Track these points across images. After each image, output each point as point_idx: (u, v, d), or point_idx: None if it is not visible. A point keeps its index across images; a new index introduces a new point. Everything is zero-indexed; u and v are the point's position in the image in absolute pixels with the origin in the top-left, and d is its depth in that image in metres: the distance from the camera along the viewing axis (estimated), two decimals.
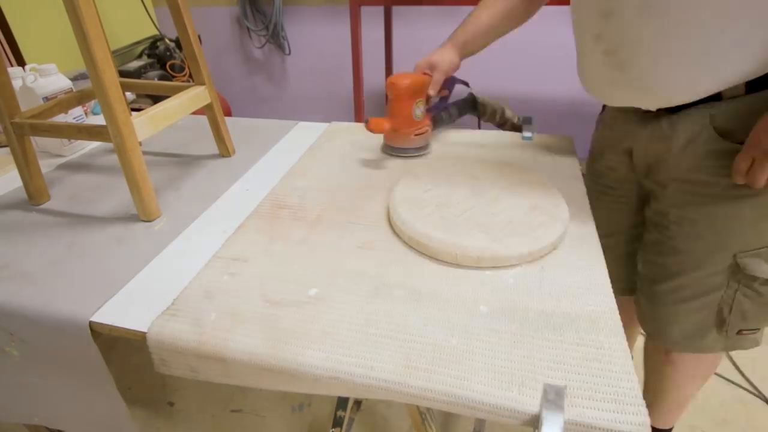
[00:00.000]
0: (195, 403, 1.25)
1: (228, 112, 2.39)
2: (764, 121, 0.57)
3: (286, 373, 0.47)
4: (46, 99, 0.88)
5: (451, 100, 0.98)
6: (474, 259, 0.58)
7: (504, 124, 1.00)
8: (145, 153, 0.94)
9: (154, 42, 2.22)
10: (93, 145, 1.01)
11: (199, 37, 0.82)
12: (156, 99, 1.87)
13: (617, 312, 0.51)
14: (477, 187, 0.72)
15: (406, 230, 0.63)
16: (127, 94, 1.21)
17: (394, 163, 0.87)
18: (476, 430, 1.06)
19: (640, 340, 1.37)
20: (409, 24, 2.27)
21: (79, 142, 0.98)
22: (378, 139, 0.93)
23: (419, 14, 2.24)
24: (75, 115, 0.95)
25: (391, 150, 0.89)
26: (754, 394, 1.21)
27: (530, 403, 0.42)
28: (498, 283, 0.56)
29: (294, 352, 0.47)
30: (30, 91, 0.87)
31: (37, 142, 0.96)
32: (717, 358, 0.88)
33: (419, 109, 0.84)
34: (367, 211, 0.72)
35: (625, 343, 0.47)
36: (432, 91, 0.85)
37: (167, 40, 2.21)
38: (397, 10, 2.25)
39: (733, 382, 1.24)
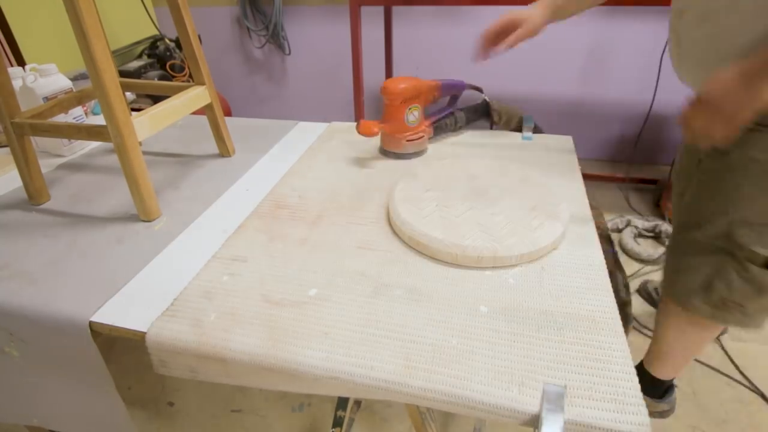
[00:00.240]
0: (195, 403, 1.25)
1: (228, 112, 2.39)
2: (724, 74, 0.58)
3: (286, 373, 0.47)
4: (46, 99, 0.88)
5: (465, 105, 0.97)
6: (474, 259, 0.58)
7: (520, 130, 0.99)
8: (145, 153, 0.94)
9: (154, 42, 2.22)
10: (93, 145, 1.01)
11: (199, 37, 0.82)
12: (156, 99, 1.87)
13: (617, 312, 0.51)
14: (477, 187, 0.72)
15: (406, 230, 0.63)
16: (127, 94, 1.21)
17: (394, 164, 0.87)
18: (476, 430, 1.05)
19: (640, 341, 1.38)
20: (409, 24, 2.27)
21: (79, 142, 0.98)
22: (378, 138, 0.93)
23: (419, 14, 2.24)
24: (75, 115, 0.95)
25: (385, 153, 0.90)
26: (755, 393, 1.21)
27: (530, 403, 0.42)
28: (498, 283, 0.56)
29: (294, 352, 0.47)
30: (30, 91, 0.87)
31: (37, 142, 0.96)
32: (709, 325, 0.90)
33: (413, 115, 0.84)
34: (367, 211, 0.72)
35: (625, 343, 0.47)
36: (519, 38, 0.77)
37: (167, 40, 2.21)
38: (397, 10, 2.25)
39: (733, 380, 1.24)
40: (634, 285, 1.59)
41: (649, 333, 1.39)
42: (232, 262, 0.61)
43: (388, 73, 2.11)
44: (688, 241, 0.80)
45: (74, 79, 1.49)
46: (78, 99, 0.86)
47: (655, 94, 2.17)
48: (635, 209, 2.01)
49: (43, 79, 0.89)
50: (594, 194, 2.11)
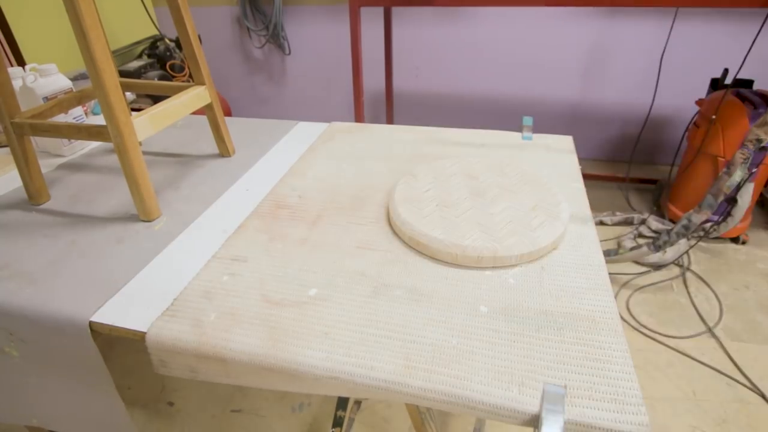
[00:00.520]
0: (195, 403, 1.25)
1: (228, 112, 2.39)
2: None
3: (285, 373, 0.47)
4: (46, 99, 0.88)
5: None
6: (474, 259, 0.58)
7: None
8: (145, 153, 0.95)
9: (154, 42, 2.23)
10: (93, 145, 1.01)
11: (199, 37, 0.82)
12: (156, 99, 1.87)
13: (617, 312, 0.51)
14: (477, 187, 0.72)
15: (406, 230, 0.63)
16: (127, 94, 1.20)
17: (394, 164, 0.87)
18: (476, 430, 1.05)
19: (640, 341, 1.38)
20: (409, 24, 2.27)
21: (79, 142, 0.98)
22: (378, 139, 0.93)
23: (419, 14, 2.24)
24: (75, 115, 0.95)
25: None
26: (755, 393, 1.21)
27: (530, 403, 0.42)
28: (498, 283, 0.56)
29: (294, 352, 0.47)
30: (30, 91, 0.87)
31: (37, 142, 0.96)
32: None
33: None
34: (366, 211, 0.72)
35: (625, 343, 0.47)
36: None
37: (167, 40, 2.21)
38: (396, 11, 2.25)
39: (733, 380, 1.24)
40: (626, 292, 1.59)
41: (650, 333, 1.40)
42: (232, 262, 0.61)
43: (388, 73, 2.11)
44: None
45: (74, 79, 1.49)
46: (78, 99, 0.86)
47: (655, 95, 2.17)
48: (635, 209, 2.01)
49: (43, 79, 0.89)
50: (594, 194, 2.12)
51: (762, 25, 1.44)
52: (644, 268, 1.65)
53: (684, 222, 1.44)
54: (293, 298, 0.55)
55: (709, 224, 1.63)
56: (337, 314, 0.52)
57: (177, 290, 0.56)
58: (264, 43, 2.47)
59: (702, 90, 2.06)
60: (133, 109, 0.71)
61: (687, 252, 1.69)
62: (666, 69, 2.09)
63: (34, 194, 0.77)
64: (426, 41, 2.30)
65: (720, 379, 1.25)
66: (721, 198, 1.38)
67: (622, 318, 1.45)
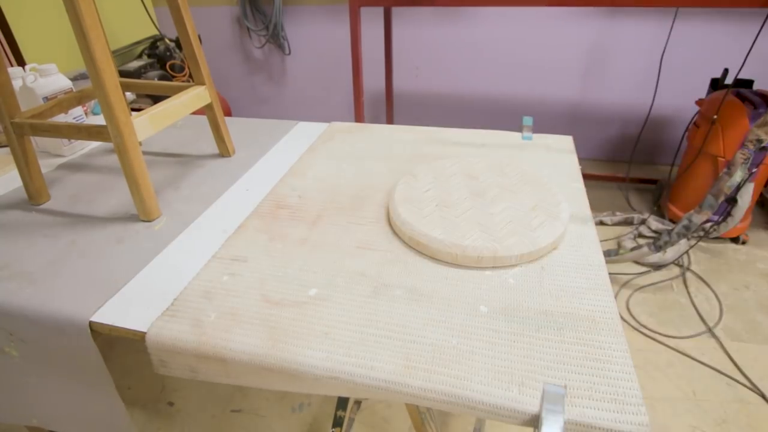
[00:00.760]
0: (195, 403, 1.25)
1: (228, 112, 2.39)
2: None
3: (286, 373, 0.47)
4: (46, 99, 0.88)
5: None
6: (474, 259, 0.58)
7: None
8: (145, 153, 0.95)
9: (154, 42, 2.23)
10: (93, 145, 1.01)
11: (199, 37, 0.82)
12: (156, 99, 1.88)
13: (617, 312, 0.51)
14: (477, 187, 0.72)
15: (406, 230, 0.63)
16: (127, 94, 1.21)
17: (394, 164, 0.87)
18: (476, 430, 1.05)
19: (640, 341, 1.38)
20: (408, 24, 2.27)
21: (79, 142, 0.98)
22: (378, 139, 0.93)
23: (419, 14, 2.24)
24: (75, 115, 0.95)
25: None
26: (755, 393, 1.21)
27: (530, 403, 0.42)
28: (498, 283, 0.56)
29: (294, 352, 0.47)
30: (30, 91, 0.87)
31: (37, 142, 0.96)
32: None
33: None
34: (366, 211, 0.72)
35: (625, 343, 0.47)
36: None
37: (167, 40, 2.21)
38: (396, 11, 2.25)
39: (733, 380, 1.24)
40: (626, 292, 1.59)
41: (650, 333, 1.40)
42: (232, 262, 0.61)
43: (388, 73, 2.11)
44: None
45: (74, 79, 1.49)
46: (78, 99, 0.86)
47: (655, 95, 2.18)
48: (635, 209, 2.01)
49: (43, 79, 0.89)
50: (594, 194, 2.12)
51: (762, 25, 1.44)
52: (644, 268, 1.65)
53: (685, 222, 1.44)
54: (293, 298, 0.55)
55: (709, 224, 1.63)
56: (337, 314, 0.52)
57: (177, 290, 0.56)
58: (264, 43, 2.47)
59: (702, 90, 2.06)
60: (133, 109, 0.71)
61: (687, 252, 1.69)
62: (666, 69, 2.09)
63: (34, 194, 0.77)
64: (426, 41, 2.30)
65: (720, 379, 1.25)
66: (722, 198, 1.38)
67: (622, 318, 1.45)
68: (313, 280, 0.57)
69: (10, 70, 0.78)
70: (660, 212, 1.94)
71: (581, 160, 0.79)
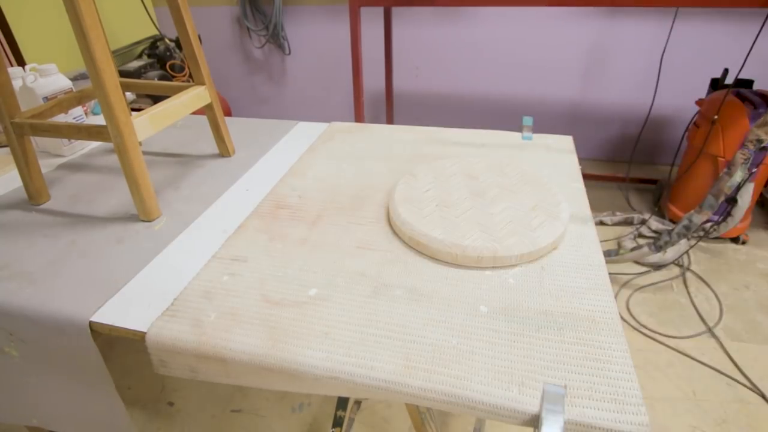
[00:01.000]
0: (195, 403, 1.25)
1: (228, 112, 2.39)
2: None
3: (285, 373, 0.47)
4: (46, 99, 0.88)
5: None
6: (474, 259, 0.58)
7: None
8: (145, 153, 0.95)
9: (154, 42, 2.23)
10: (93, 145, 1.01)
11: (199, 37, 0.82)
12: (156, 99, 1.88)
13: (617, 312, 0.51)
14: (477, 187, 0.72)
15: (406, 230, 0.63)
16: (127, 94, 1.21)
17: (394, 164, 0.87)
18: (476, 430, 1.05)
19: (640, 341, 1.38)
20: (409, 24, 2.27)
21: (79, 142, 0.98)
22: (378, 139, 0.93)
23: (419, 14, 2.24)
24: (75, 115, 0.95)
25: None
26: (755, 393, 1.21)
27: (530, 403, 0.42)
28: (498, 283, 0.56)
29: (294, 352, 0.47)
30: (30, 91, 0.87)
31: (37, 142, 0.96)
32: None
33: None
34: (366, 211, 0.72)
35: (625, 343, 0.47)
36: None
37: (167, 40, 2.21)
38: (396, 11, 2.25)
39: (733, 380, 1.24)
40: (626, 292, 1.60)
41: (650, 333, 1.40)
42: (232, 262, 0.61)
43: (388, 73, 2.11)
44: None
45: (74, 79, 1.49)
46: (78, 99, 0.86)
47: (655, 95, 2.18)
48: (635, 209, 2.01)
49: (43, 79, 0.89)
50: (594, 194, 2.11)
51: (762, 25, 1.44)
52: (644, 268, 1.65)
53: (685, 222, 1.44)
54: (293, 298, 0.55)
55: (709, 224, 1.63)
56: (337, 314, 0.52)
57: (177, 290, 0.56)
58: (264, 43, 2.47)
59: (702, 90, 2.06)
60: (133, 109, 0.71)
61: (687, 252, 1.69)
62: (666, 69, 2.09)
63: (34, 194, 0.77)
64: (426, 41, 2.30)
65: (720, 379, 1.25)
66: (722, 198, 1.38)
67: (622, 318, 1.45)
68: (313, 280, 0.57)
69: (10, 70, 0.78)
70: (660, 212, 1.94)
71: (581, 160, 0.80)
